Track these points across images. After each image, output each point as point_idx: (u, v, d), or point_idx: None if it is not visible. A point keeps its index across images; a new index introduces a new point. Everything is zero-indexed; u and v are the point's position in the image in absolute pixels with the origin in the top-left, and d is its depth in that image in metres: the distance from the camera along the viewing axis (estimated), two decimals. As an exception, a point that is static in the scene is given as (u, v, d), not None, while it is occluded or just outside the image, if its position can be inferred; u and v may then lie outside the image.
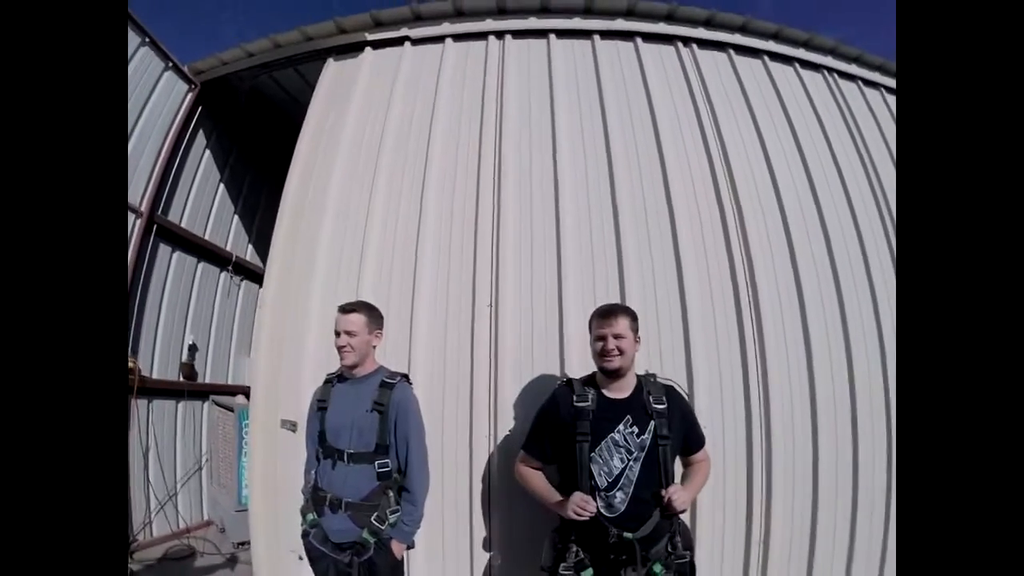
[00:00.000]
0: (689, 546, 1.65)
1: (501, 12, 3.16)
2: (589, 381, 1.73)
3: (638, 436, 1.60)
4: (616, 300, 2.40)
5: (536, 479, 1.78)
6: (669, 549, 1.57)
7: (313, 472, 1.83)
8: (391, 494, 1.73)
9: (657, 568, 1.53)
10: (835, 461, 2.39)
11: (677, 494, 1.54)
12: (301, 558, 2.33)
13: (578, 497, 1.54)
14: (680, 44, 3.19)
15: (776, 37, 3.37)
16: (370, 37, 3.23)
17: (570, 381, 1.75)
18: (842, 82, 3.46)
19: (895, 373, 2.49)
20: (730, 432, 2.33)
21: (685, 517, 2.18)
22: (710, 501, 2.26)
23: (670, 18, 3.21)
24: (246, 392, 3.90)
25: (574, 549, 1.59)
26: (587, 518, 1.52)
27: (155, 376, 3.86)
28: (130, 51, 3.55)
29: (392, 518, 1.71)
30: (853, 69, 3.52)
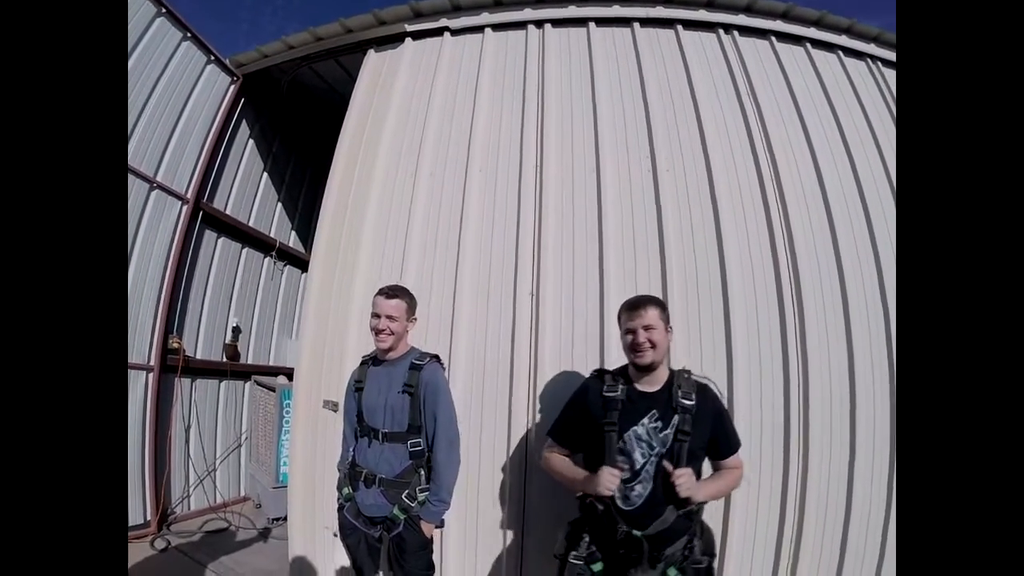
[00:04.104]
0: (709, 551, 1.56)
1: (540, 0, 3.17)
2: (621, 373, 1.70)
3: (660, 431, 1.55)
4: (658, 289, 2.42)
5: (563, 461, 1.75)
6: (686, 553, 1.50)
7: (351, 449, 1.89)
8: (422, 472, 1.78)
9: (671, 572, 1.47)
10: (871, 467, 2.33)
11: (684, 478, 1.45)
12: (335, 535, 2.43)
13: (607, 472, 1.50)
14: (721, 31, 3.15)
15: (818, 24, 3.29)
16: (410, 28, 3.28)
17: (602, 372, 1.75)
18: (886, 70, 3.35)
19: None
20: (767, 431, 2.32)
21: (716, 524, 2.19)
22: (743, 503, 2.26)
23: (711, 5, 3.17)
24: (288, 373, 4.05)
25: (586, 540, 1.57)
26: (613, 492, 1.50)
27: (199, 356, 4.07)
28: (172, 46, 3.70)
29: (421, 496, 1.76)
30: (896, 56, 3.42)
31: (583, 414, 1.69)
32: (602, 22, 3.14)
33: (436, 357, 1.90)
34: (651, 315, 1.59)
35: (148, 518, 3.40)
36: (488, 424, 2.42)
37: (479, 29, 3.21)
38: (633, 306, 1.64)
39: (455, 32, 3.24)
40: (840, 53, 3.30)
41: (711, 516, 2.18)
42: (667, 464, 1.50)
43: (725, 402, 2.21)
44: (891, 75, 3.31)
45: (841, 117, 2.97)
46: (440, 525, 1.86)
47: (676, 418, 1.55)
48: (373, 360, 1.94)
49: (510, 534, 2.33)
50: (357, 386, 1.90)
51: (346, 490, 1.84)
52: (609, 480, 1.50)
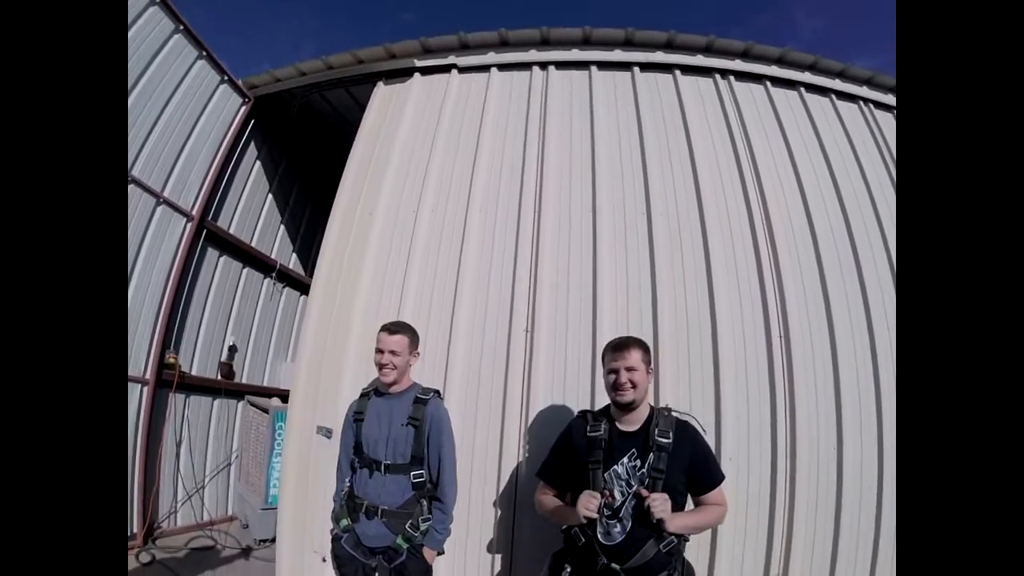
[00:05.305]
0: None
1: (545, 43, 3.29)
2: (604, 413, 1.75)
3: (638, 470, 1.58)
4: (649, 328, 2.47)
5: (551, 500, 1.80)
6: None
7: (348, 480, 1.91)
8: (424, 503, 1.82)
9: None
10: (859, 499, 2.36)
11: (657, 500, 1.47)
12: (324, 560, 2.41)
13: (586, 495, 1.55)
14: (718, 76, 3.27)
15: (812, 68, 3.40)
16: (419, 63, 3.39)
17: (585, 413, 1.80)
18: (878, 112, 3.45)
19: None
20: (755, 463, 2.34)
21: (703, 558, 2.21)
22: (730, 541, 2.26)
23: (708, 50, 3.29)
24: (282, 395, 4.05)
25: (568, 570, 1.61)
26: (592, 515, 1.52)
27: (194, 372, 4.06)
28: (187, 64, 3.80)
29: (424, 526, 1.80)
30: (889, 99, 3.50)
31: (569, 454, 1.74)
32: (604, 66, 3.25)
33: (438, 392, 1.97)
34: (634, 357, 1.64)
35: (134, 531, 3.37)
36: (479, 457, 2.43)
37: (485, 68, 3.31)
38: (617, 347, 1.69)
39: (462, 70, 3.35)
40: (833, 97, 3.41)
41: (696, 552, 2.20)
42: (641, 489, 1.53)
43: (712, 437, 2.27)
44: (883, 117, 3.41)
45: (833, 163, 3.05)
46: (441, 552, 1.90)
47: (651, 456, 1.58)
48: (375, 392, 1.97)
49: (499, 565, 2.33)
50: (357, 417, 1.93)
51: (344, 521, 1.85)
52: (588, 502, 1.53)
